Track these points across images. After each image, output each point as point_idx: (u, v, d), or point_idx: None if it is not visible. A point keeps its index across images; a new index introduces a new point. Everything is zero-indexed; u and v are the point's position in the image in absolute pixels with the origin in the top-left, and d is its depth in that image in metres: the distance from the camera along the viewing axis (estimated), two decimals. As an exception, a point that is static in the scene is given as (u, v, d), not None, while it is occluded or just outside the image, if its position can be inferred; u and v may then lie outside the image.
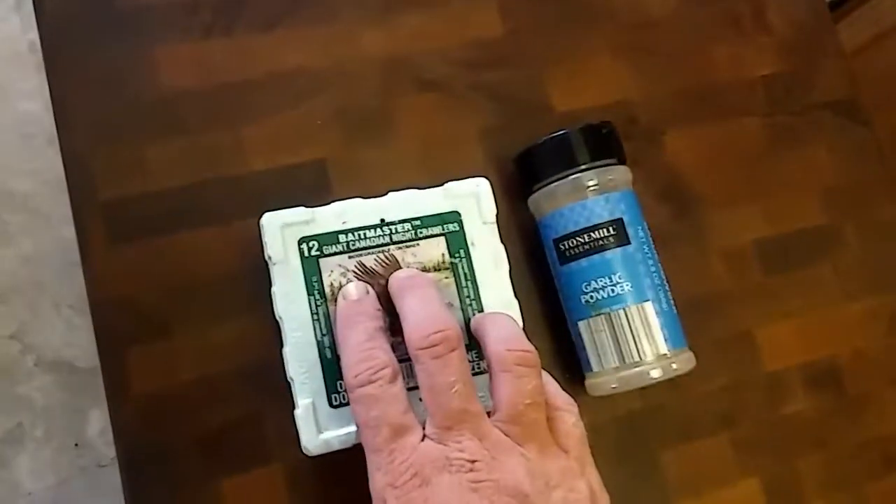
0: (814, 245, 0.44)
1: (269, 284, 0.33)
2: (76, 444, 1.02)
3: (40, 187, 1.08)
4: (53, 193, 1.08)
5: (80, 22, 0.38)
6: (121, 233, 0.36)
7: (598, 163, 0.37)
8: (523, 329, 0.34)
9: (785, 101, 0.45)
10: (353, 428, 0.31)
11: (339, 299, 0.31)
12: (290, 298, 0.32)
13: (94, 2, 0.38)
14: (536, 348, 0.31)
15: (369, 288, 0.32)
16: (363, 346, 0.29)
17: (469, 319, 0.34)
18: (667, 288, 0.37)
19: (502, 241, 0.35)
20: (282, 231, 0.33)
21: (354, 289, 0.31)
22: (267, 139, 0.39)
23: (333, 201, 0.35)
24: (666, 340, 0.35)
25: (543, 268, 0.39)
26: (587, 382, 0.37)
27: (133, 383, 0.35)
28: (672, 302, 0.36)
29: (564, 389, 0.38)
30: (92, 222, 0.36)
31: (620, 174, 0.37)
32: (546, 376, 0.31)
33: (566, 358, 0.38)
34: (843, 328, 0.43)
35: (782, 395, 0.42)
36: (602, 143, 0.37)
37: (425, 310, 0.29)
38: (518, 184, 0.40)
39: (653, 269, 0.36)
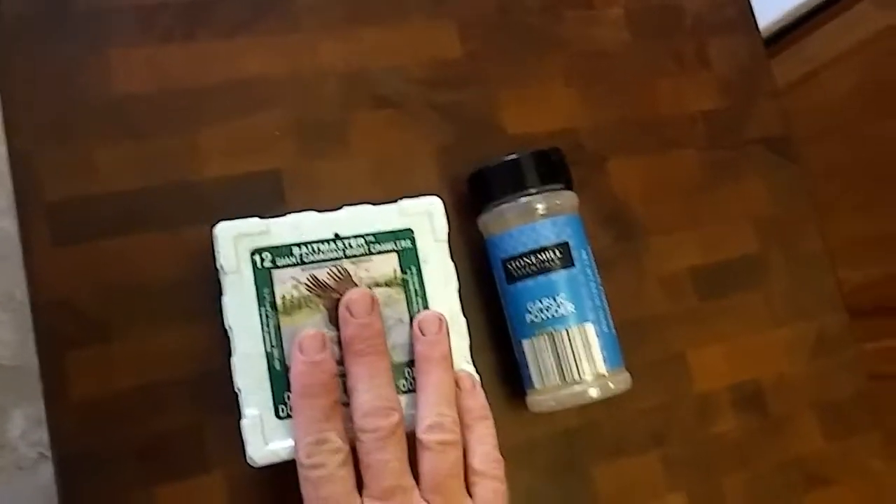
0: (745, 273, 0.46)
1: (219, 294, 0.33)
2: (-2, 445, 0.98)
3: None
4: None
5: (34, 21, 0.37)
6: (65, 234, 0.36)
7: (547, 187, 0.38)
8: (469, 346, 0.35)
9: (722, 136, 0.48)
10: (298, 439, 0.31)
11: (295, 352, 0.31)
12: (240, 309, 0.32)
13: (50, 2, 0.37)
14: (478, 369, 0.32)
15: (325, 338, 0.32)
16: (318, 427, 0.30)
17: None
18: (607, 310, 0.38)
19: (452, 259, 0.36)
20: (235, 241, 0.33)
21: (310, 344, 0.31)
22: (222, 146, 0.39)
23: (287, 213, 0.35)
24: (605, 361, 0.37)
25: (490, 285, 0.40)
26: (528, 399, 0.38)
27: (71, 387, 0.34)
28: (612, 323, 0.38)
29: (507, 405, 0.39)
30: (36, 222, 0.36)
31: (567, 199, 0.39)
32: (484, 432, 0.34)
33: (510, 374, 0.39)
34: (769, 352, 0.46)
35: (711, 415, 0.44)
36: (551, 169, 0.39)
37: (373, 389, 0.31)
38: (469, 202, 0.41)
39: (595, 291, 0.38)
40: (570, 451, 0.41)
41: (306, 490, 0.30)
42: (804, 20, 1.10)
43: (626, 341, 0.40)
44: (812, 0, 1.06)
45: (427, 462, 0.31)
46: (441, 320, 0.34)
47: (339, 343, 0.32)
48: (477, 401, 0.34)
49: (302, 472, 0.30)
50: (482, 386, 0.35)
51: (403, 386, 0.33)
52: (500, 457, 0.33)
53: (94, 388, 0.35)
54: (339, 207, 0.35)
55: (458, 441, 0.32)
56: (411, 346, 0.34)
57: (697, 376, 0.44)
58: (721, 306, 0.45)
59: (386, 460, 0.30)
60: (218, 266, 0.33)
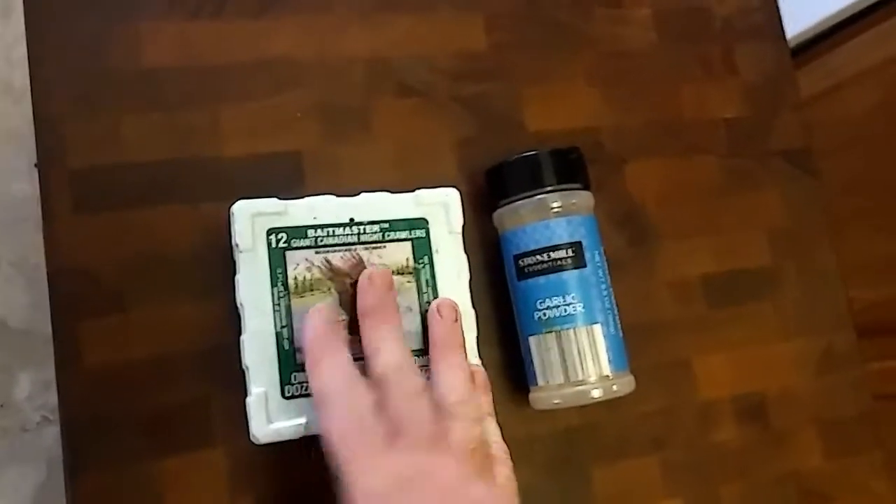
0: (756, 284, 0.46)
1: (233, 271, 0.33)
2: (0, 405, 1.00)
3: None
4: (3, 146, 1.05)
5: (65, -11, 0.38)
6: (87, 202, 0.36)
7: (564, 186, 0.38)
8: (477, 338, 0.36)
9: (743, 145, 0.48)
10: (302, 420, 0.32)
11: (312, 313, 0.32)
12: (253, 287, 0.32)
13: (83, -30, 0.38)
14: (484, 362, 0.32)
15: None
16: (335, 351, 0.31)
17: (425, 323, 0.34)
18: (616, 312, 0.38)
19: (466, 252, 0.36)
20: (252, 220, 0.33)
21: (327, 309, 0.33)
22: (244, 125, 0.39)
23: (306, 195, 0.35)
24: (610, 362, 0.37)
25: (502, 279, 0.40)
26: (531, 395, 0.38)
27: (84, 355, 0.35)
28: (619, 326, 0.38)
29: (510, 400, 0.40)
30: (58, 189, 0.36)
31: (583, 199, 0.39)
32: (493, 428, 0.34)
33: (514, 369, 0.40)
34: (775, 365, 0.46)
35: (712, 423, 0.44)
36: (569, 168, 0.39)
37: (398, 350, 0.32)
38: (486, 196, 0.41)
39: (605, 293, 0.38)
40: (570, 449, 0.41)
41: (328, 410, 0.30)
42: (834, 31, 1.09)
43: (633, 344, 0.40)
44: (843, 12, 1.04)
45: (457, 432, 0.30)
46: (456, 309, 0.34)
47: (349, 327, 0.33)
48: (488, 397, 0.34)
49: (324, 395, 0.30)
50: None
51: (409, 374, 0.34)
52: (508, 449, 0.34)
53: (106, 356, 0.35)
54: (357, 193, 0.36)
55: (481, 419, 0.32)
56: (420, 334, 0.34)
57: (702, 383, 0.44)
58: (730, 315, 0.45)
59: (422, 407, 0.30)
60: (233, 244, 0.33)
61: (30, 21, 0.37)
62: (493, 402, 0.35)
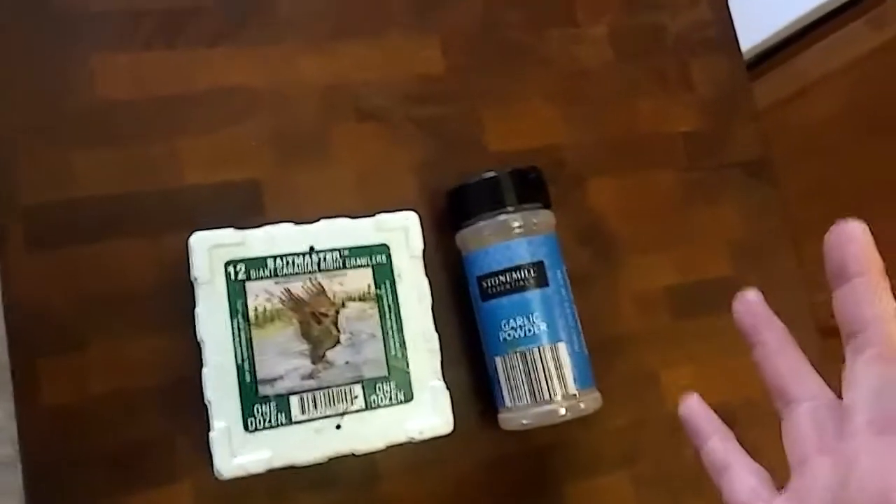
0: (719, 295, 0.47)
1: (194, 304, 0.33)
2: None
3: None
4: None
5: (15, 24, 0.37)
6: (41, 238, 0.36)
7: (524, 206, 0.38)
8: (441, 362, 0.36)
9: (701, 158, 0.48)
10: (266, 454, 0.32)
11: None
12: (212, 321, 0.32)
13: (32, 4, 0.37)
14: (451, 385, 0.32)
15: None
16: None
17: (390, 351, 0.34)
18: (579, 329, 0.38)
19: (427, 275, 0.36)
20: (210, 252, 0.33)
21: None
22: (202, 155, 0.39)
23: (266, 223, 0.35)
24: (575, 380, 0.37)
25: (466, 301, 0.40)
26: (500, 416, 0.38)
27: (43, 393, 0.34)
28: (583, 343, 0.38)
29: (479, 422, 0.40)
30: (12, 225, 0.36)
31: (544, 218, 0.39)
32: None
33: (482, 391, 0.40)
34: (742, 375, 0.46)
35: (682, 437, 0.44)
36: (529, 187, 0.39)
37: None
38: (448, 218, 0.41)
39: (568, 310, 0.38)
40: (542, 469, 0.41)
41: None
42: (795, 38, 1.11)
43: (600, 359, 0.40)
44: (800, 20, 1.07)
45: None
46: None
47: (310, 355, 0.33)
48: None
49: None
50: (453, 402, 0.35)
51: (374, 402, 0.34)
52: None
53: (67, 395, 0.35)
54: (317, 219, 0.36)
55: None
56: (384, 361, 0.34)
57: (669, 396, 0.44)
58: (695, 327, 0.46)
59: None
60: (192, 277, 0.33)
61: (-21, 58, 0.37)
62: (462, 423, 0.35)
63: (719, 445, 0.32)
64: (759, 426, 0.46)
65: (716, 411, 0.45)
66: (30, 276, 0.35)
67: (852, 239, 0.27)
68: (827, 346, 0.49)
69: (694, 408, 0.34)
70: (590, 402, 0.37)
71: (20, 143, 0.36)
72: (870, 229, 0.27)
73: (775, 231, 0.49)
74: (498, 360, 0.38)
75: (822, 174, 1.05)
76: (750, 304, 0.31)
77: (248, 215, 0.38)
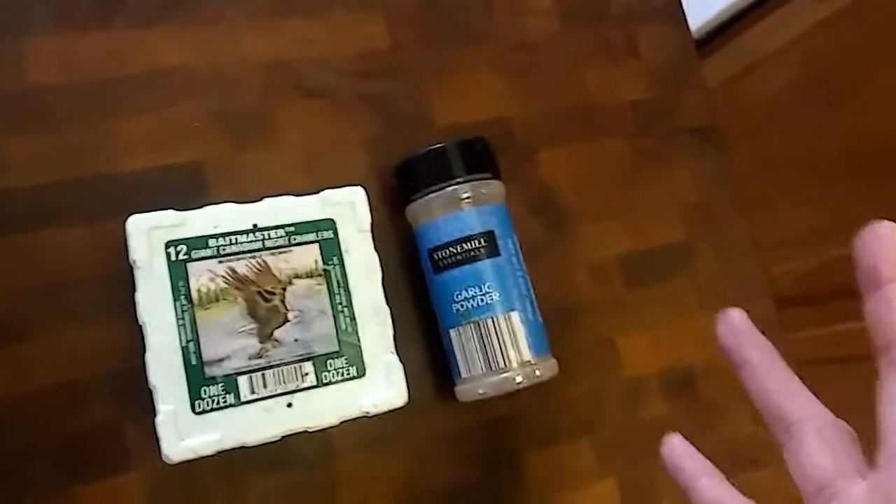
0: (672, 260, 0.47)
1: (135, 289, 0.32)
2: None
3: None
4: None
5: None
6: (-25, 230, 0.35)
7: (473, 177, 0.38)
8: (393, 336, 0.35)
9: (650, 125, 0.49)
10: (216, 435, 0.31)
11: None
12: (153, 303, 0.31)
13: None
14: (406, 360, 0.31)
15: None
16: None
17: (340, 326, 0.34)
18: (533, 298, 0.38)
19: (376, 249, 0.36)
20: (148, 234, 0.32)
21: None
22: (142, 138, 0.38)
23: (209, 205, 0.34)
24: (530, 348, 0.37)
25: (420, 277, 0.40)
26: (457, 388, 0.38)
27: (-17, 389, 0.33)
28: (538, 311, 0.38)
29: (437, 397, 0.39)
30: (-58, 218, 0.34)
31: (494, 188, 0.39)
32: None
33: (438, 365, 0.39)
34: (698, 338, 0.47)
35: (641, 401, 0.44)
36: (477, 158, 0.39)
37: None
38: (397, 193, 0.40)
39: (521, 279, 0.38)
40: (502, 439, 0.41)
41: None
42: (743, 15, 1.12)
43: (556, 329, 0.40)
44: (749, -5, 1.08)
45: None
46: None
47: (258, 334, 0.32)
48: None
49: None
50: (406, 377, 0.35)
51: (325, 378, 0.33)
52: None
53: (8, 388, 0.34)
54: (261, 199, 0.35)
55: None
56: (334, 337, 0.34)
57: (627, 362, 0.44)
58: (649, 294, 0.46)
59: None
60: (131, 260, 0.32)
61: None
62: (419, 398, 0.35)
63: (712, 483, 0.30)
64: (721, 386, 0.46)
65: (674, 375, 0.45)
66: (-35, 269, 0.34)
67: (885, 241, 0.24)
68: (782, 314, 0.50)
69: (678, 448, 0.32)
70: (546, 369, 0.37)
71: (-53, 132, 0.35)
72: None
73: (727, 199, 0.50)
74: (452, 332, 0.37)
75: (775, 148, 1.07)
76: (733, 322, 0.29)
77: (191, 198, 0.37)
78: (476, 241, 0.37)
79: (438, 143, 0.39)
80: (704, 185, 0.49)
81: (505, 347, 0.36)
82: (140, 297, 0.32)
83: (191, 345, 0.31)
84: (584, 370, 0.43)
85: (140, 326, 0.32)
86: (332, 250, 0.35)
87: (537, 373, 0.37)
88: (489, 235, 0.37)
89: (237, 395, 0.31)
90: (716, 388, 0.46)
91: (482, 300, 0.37)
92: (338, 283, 0.34)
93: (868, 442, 0.25)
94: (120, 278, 0.34)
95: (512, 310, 0.37)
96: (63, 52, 0.37)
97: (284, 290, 0.33)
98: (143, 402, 0.33)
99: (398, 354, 0.35)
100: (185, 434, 0.31)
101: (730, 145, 0.51)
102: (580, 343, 0.43)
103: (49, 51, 0.37)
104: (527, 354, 0.37)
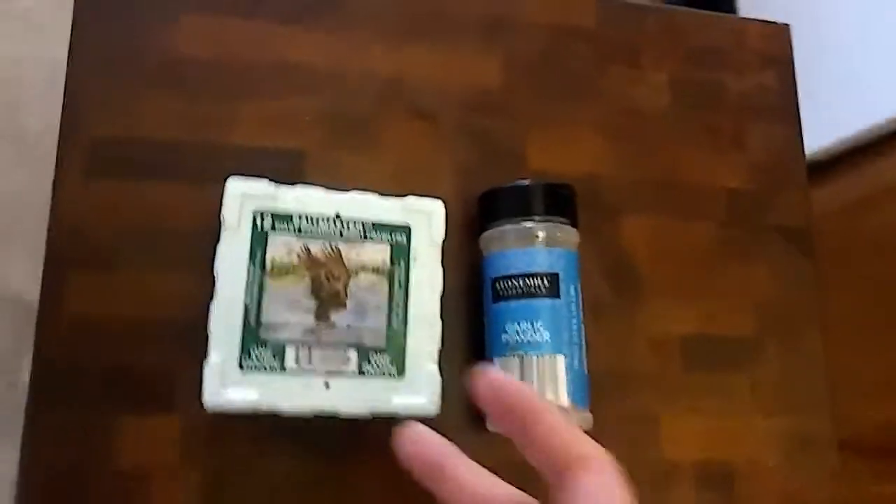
0: (736, 353, 0.46)
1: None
2: (10, 384, 1.02)
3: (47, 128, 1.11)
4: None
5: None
6: (98, 169, 0.39)
7: (551, 218, 0.39)
8: (440, 352, 0.36)
9: (742, 216, 0.48)
10: (255, 395, 0.33)
11: None
12: (231, 260, 0.34)
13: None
14: (448, 382, 0.32)
15: None
16: None
17: (392, 325, 0.35)
18: (584, 348, 0.38)
19: (443, 265, 0.37)
20: (242, 198, 0.35)
21: None
22: (257, 120, 0.41)
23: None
24: (569, 395, 0.37)
25: (478, 307, 0.41)
26: (488, 419, 0.38)
27: (66, 302, 0.37)
28: (585, 363, 0.38)
29: (471, 423, 0.40)
30: (74, 153, 0.39)
31: (568, 234, 0.39)
32: None
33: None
34: (745, 438, 0.45)
35: (672, 485, 0.43)
36: (558, 202, 0.40)
37: None
38: (476, 222, 0.42)
39: (575, 327, 0.38)
40: (525, 484, 0.40)
41: None
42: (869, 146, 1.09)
43: (603, 390, 0.40)
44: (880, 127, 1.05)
45: None
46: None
47: (315, 312, 0.34)
48: None
49: None
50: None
51: (366, 370, 0.34)
52: None
53: (87, 308, 0.37)
54: (348, 192, 0.37)
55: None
56: (384, 332, 0.35)
57: (666, 443, 0.43)
58: (706, 380, 0.45)
59: None
60: (221, 217, 0.35)
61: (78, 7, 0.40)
62: (457, 424, 0.35)
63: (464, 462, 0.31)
64: (757, 492, 0.44)
65: (712, 468, 0.44)
66: (79, 200, 0.38)
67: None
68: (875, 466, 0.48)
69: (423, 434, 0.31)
70: (580, 420, 0.37)
71: (99, 77, 0.40)
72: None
73: (805, 302, 0.48)
74: (497, 360, 0.38)
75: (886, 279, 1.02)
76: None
77: (287, 179, 0.40)
78: (539, 279, 0.38)
79: (525, 180, 0.40)
80: (784, 287, 0.48)
81: (544, 388, 0.37)
82: (221, 249, 0.34)
83: (254, 305, 0.33)
84: (620, 438, 0.42)
85: (213, 279, 0.35)
86: (401, 254, 0.36)
87: (571, 420, 0.37)
88: (553, 277, 0.38)
89: (282, 363, 0.33)
90: (751, 490, 0.44)
91: (532, 336, 0.37)
92: (399, 285, 0.36)
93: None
94: (205, 237, 0.37)
95: (559, 353, 0.37)
96: (210, 30, 0.42)
97: (350, 279, 0.35)
98: (198, 355, 0.35)
99: (440, 368, 0.36)
100: (227, 385, 0.32)
101: (826, 267, 0.50)
102: (624, 411, 0.43)
103: (199, 27, 0.42)
104: (564, 400, 0.37)
